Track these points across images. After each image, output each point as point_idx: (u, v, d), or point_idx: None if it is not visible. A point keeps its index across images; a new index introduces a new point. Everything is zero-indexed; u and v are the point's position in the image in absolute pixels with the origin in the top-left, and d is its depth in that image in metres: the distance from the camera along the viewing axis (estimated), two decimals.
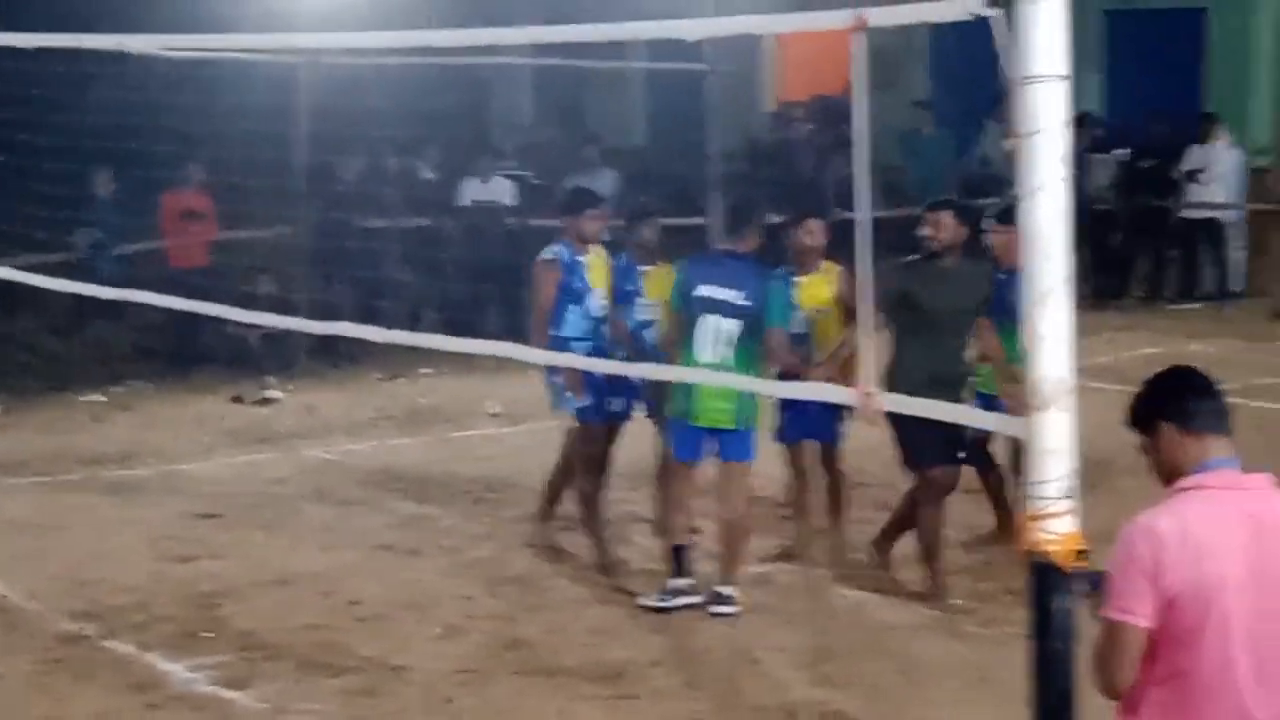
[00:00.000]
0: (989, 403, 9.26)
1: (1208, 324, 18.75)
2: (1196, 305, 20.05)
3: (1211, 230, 20.23)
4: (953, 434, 8.96)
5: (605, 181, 18.19)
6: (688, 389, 9.19)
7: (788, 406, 9.92)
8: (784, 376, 9.56)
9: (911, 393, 6.98)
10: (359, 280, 17.74)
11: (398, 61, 16.60)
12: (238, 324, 13.96)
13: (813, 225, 10.02)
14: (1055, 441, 4.79)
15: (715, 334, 9.22)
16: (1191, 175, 19.99)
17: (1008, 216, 8.71)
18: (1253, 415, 11.11)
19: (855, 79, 5.71)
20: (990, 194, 18.12)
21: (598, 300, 10.11)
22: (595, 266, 10.15)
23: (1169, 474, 4.68)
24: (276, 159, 16.92)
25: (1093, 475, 7.73)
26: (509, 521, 11.23)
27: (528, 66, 23.39)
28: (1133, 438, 4.81)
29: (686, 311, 9.31)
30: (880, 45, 5.95)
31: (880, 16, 5.55)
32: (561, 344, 9.93)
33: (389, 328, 9.88)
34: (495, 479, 12.41)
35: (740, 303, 9.21)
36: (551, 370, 10.12)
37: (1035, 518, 4.77)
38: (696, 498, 9.57)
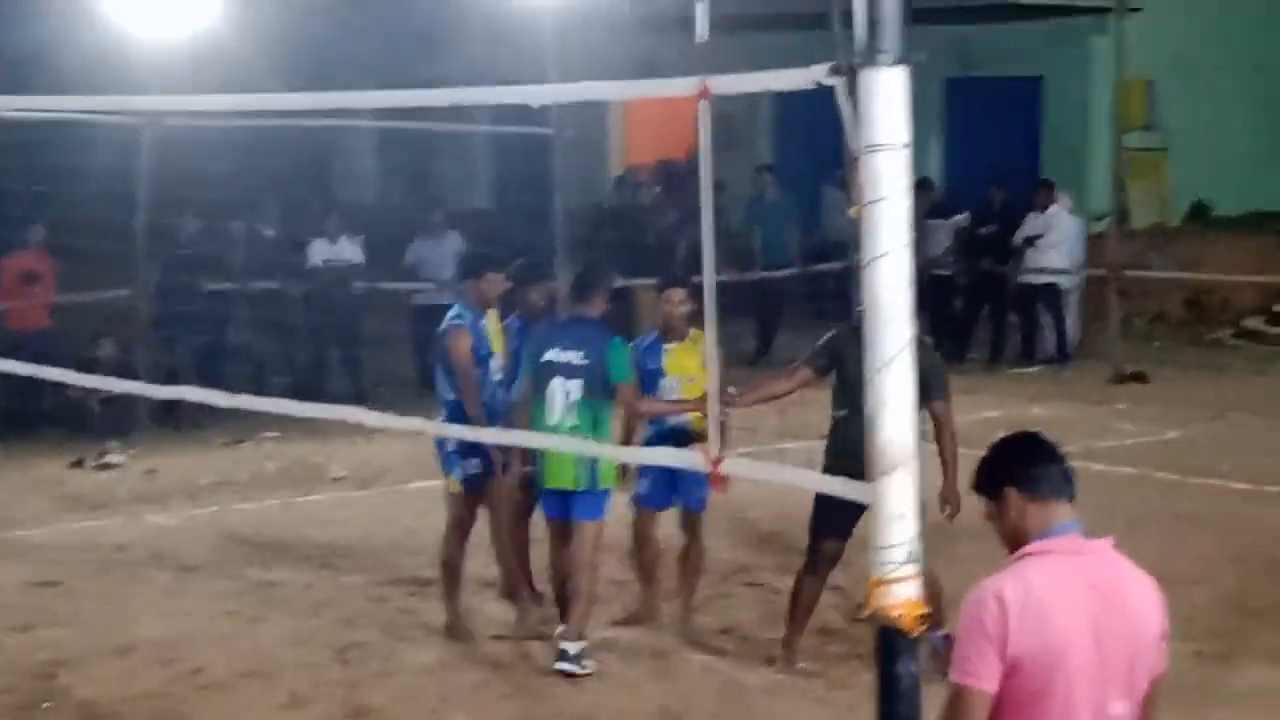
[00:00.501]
0: None
1: (1048, 387, 19.03)
2: (1036, 369, 20.34)
3: (1050, 295, 20.54)
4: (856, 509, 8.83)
5: (450, 245, 18.15)
6: (538, 451, 9.24)
7: (650, 471, 9.91)
8: (662, 433, 9.62)
9: (840, 461, 6.96)
10: (202, 343, 17.57)
11: (241, 124, 16.49)
12: (78, 387, 13.75)
13: (675, 294, 9.94)
14: (899, 506, 4.81)
15: (559, 396, 9.29)
16: (1029, 241, 20.31)
17: None
18: (1093, 478, 11.25)
19: (700, 145, 5.74)
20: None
21: (498, 363, 10.09)
22: (494, 329, 10.12)
23: (1014, 539, 4.72)
24: (119, 220, 16.71)
25: (936, 540, 7.77)
26: (355, 587, 11.14)
27: (373, 130, 23.36)
28: (976, 502, 4.87)
29: (536, 376, 9.38)
30: (724, 110, 5.99)
31: (725, 84, 5.58)
32: (457, 408, 9.88)
33: (233, 392, 9.79)
34: (341, 544, 12.30)
35: (580, 362, 9.28)
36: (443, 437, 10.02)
37: (880, 583, 4.79)
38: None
